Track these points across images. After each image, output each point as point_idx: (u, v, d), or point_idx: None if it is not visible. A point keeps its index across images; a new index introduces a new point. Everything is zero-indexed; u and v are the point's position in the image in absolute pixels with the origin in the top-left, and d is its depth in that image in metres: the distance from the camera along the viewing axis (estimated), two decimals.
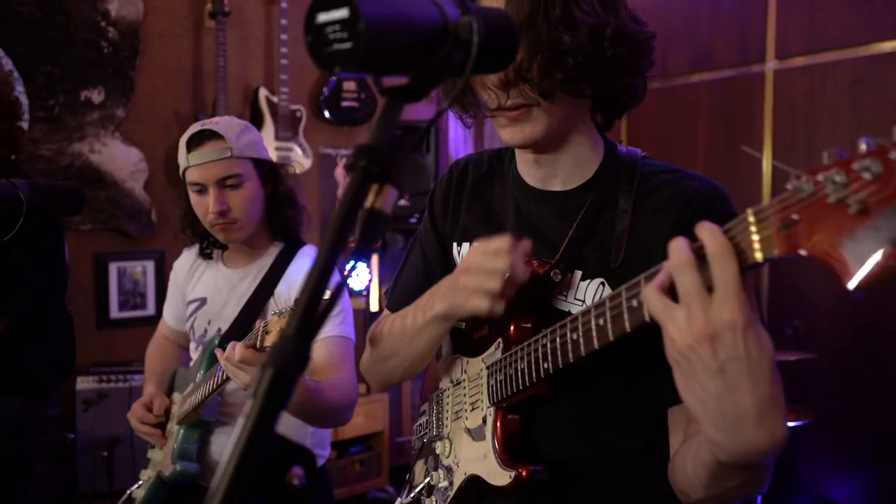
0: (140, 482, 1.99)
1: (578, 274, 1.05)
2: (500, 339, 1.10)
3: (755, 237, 0.67)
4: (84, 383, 3.11)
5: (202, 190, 1.79)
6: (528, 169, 1.14)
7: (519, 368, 1.02)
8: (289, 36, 3.72)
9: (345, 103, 4.03)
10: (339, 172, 4.15)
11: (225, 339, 1.80)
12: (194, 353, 1.99)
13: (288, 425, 1.80)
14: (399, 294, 1.29)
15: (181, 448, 1.82)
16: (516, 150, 1.15)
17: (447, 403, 1.23)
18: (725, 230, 0.68)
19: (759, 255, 0.66)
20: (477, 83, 1.02)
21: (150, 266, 3.48)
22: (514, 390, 1.03)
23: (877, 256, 0.59)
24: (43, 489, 2.34)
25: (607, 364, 0.93)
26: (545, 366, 0.96)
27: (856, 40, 3.31)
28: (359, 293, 3.68)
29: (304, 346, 0.46)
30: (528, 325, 1.06)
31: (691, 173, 1.09)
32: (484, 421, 1.12)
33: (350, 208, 0.50)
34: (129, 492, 1.99)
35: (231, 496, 0.42)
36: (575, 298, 1.05)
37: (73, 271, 2.83)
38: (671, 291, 0.71)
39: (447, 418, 1.22)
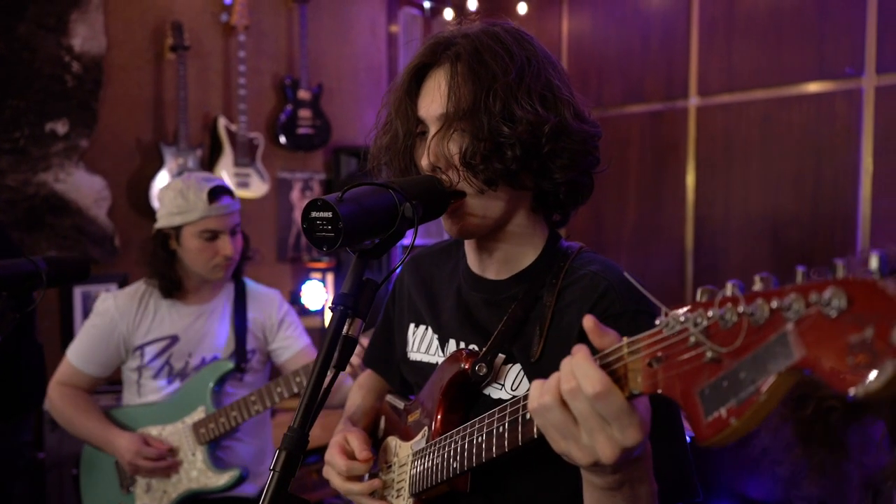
0: None
1: (502, 358, 1.06)
2: (426, 428, 1.09)
3: (627, 369, 0.66)
4: None
5: (214, 236, 2.09)
6: (470, 255, 1.17)
7: (435, 462, 1.01)
8: (246, 67, 3.91)
9: (300, 130, 4.23)
10: (295, 195, 4.36)
11: (236, 361, 2.16)
12: (154, 387, 2.20)
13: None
14: (370, 354, 1.40)
15: (215, 461, 2.11)
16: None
17: (382, 484, 1.20)
18: (601, 356, 0.69)
19: (625, 390, 0.65)
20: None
21: (113, 289, 3.63)
22: (432, 483, 1.02)
23: (721, 411, 0.56)
24: None
25: (522, 464, 0.93)
26: (454, 465, 0.95)
27: (766, 83, 3.69)
28: (315, 312, 3.90)
29: (305, 433, 0.71)
30: (456, 416, 1.05)
31: (613, 267, 1.09)
32: None
33: (333, 336, 0.75)
34: None
35: None
36: (497, 383, 1.06)
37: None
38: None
39: (381, 498, 1.19)
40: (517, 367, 1.05)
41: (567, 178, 1.03)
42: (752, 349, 0.54)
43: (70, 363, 2.23)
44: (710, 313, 0.57)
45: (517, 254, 1.10)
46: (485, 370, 1.03)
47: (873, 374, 0.47)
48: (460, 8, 4.74)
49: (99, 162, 3.56)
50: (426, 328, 1.22)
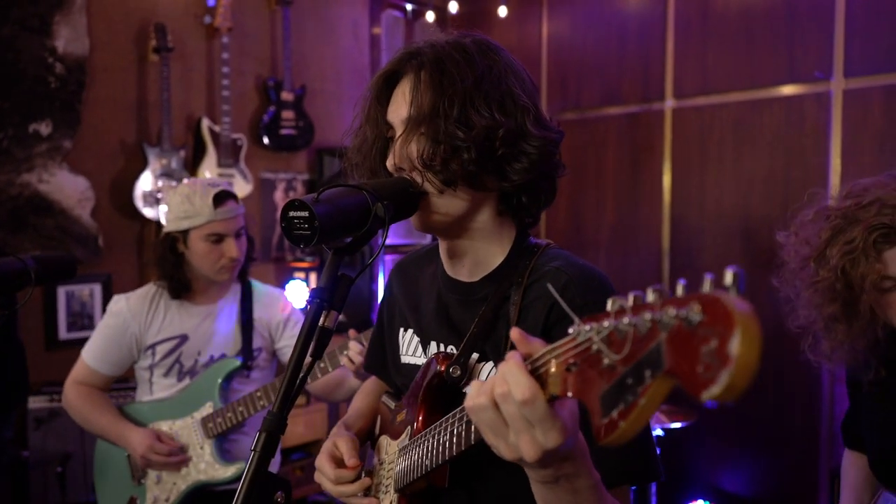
0: None
1: (476, 357, 1.11)
2: (409, 427, 1.14)
3: (548, 374, 0.70)
4: (36, 402, 3.27)
5: (219, 239, 2.17)
6: (444, 258, 1.21)
7: (413, 459, 1.07)
8: (230, 68, 3.95)
9: (283, 131, 4.28)
10: (279, 196, 4.40)
11: (242, 359, 2.26)
12: (165, 384, 2.30)
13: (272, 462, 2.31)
14: (369, 359, 1.45)
15: (223, 454, 2.22)
16: (439, 239, 1.21)
17: (374, 482, 1.27)
18: (531, 361, 0.73)
19: (546, 392, 0.70)
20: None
21: (97, 289, 3.67)
22: (412, 479, 1.08)
23: (613, 413, 0.60)
24: None
25: (496, 456, 1.00)
26: (426, 462, 1.01)
27: (739, 86, 3.79)
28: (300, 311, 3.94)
29: (284, 416, 0.78)
30: (436, 416, 1.08)
31: (574, 262, 1.13)
32: None
33: (310, 328, 0.82)
34: None
35: None
36: (471, 381, 1.10)
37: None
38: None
39: (372, 495, 1.26)
40: (490, 364, 1.10)
41: (525, 181, 1.08)
42: (637, 357, 0.59)
43: (85, 363, 2.31)
44: (605, 323, 0.62)
45: (486, 255, 1.15)
46: (458, 372, 1.08)
47: (716, 381, 0.52)
48: (442, 10, 4.80)
49: (82, 162, 3.58)
50: (412, 332, 1.27)
